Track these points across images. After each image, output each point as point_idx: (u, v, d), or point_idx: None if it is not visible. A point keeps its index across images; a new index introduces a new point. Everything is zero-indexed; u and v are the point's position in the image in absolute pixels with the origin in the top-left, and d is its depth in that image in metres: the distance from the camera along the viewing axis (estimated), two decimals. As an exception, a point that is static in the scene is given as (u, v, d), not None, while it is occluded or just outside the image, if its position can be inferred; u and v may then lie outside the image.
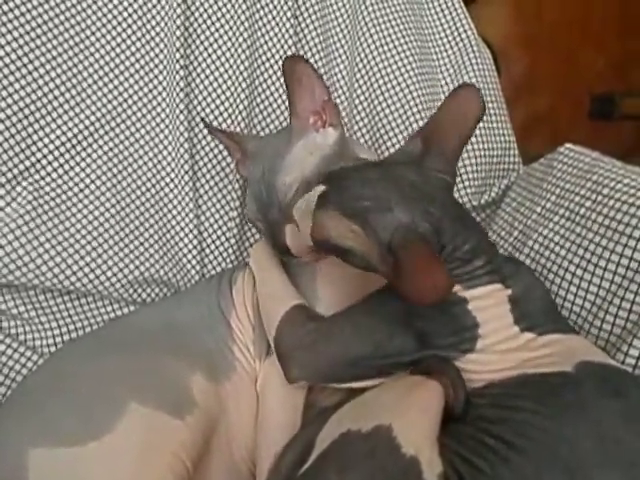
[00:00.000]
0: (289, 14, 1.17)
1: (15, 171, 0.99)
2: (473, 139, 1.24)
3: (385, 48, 1.24)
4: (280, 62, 1.16)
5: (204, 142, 1.12)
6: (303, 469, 0.64)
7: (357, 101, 1.25)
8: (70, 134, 1.03)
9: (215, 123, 1.12)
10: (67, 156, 1.03)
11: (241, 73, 1.13)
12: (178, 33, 1.08)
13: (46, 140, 1.01)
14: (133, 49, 1.08)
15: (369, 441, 0.61)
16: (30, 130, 1.00)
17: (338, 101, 1.24)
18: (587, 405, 0.59)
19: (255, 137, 0.97)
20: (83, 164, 1.04)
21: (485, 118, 1.27)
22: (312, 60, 1.21)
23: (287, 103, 1.15)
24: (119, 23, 1.07)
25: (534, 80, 1.97)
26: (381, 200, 0.68)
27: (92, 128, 1.05)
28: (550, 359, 0.66)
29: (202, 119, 0.92)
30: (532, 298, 0.73)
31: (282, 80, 1.15)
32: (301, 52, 1.20)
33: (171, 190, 1.10)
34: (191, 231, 1.10)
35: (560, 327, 0.71)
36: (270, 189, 0.87)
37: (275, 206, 0.86)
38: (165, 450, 0.73)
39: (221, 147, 1.13)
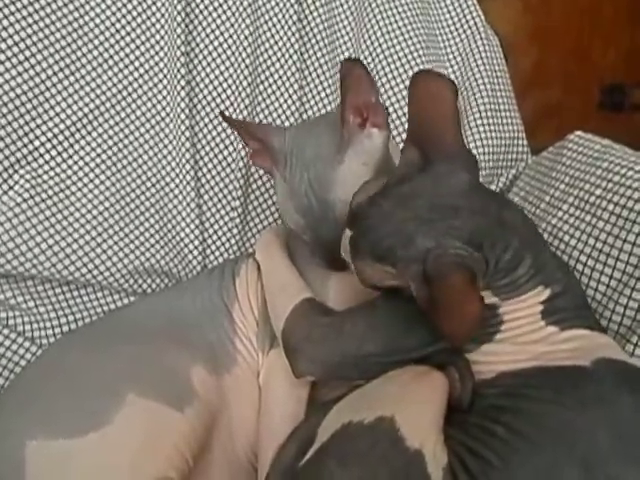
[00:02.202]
0: (293, 0, 1.15)
1: (12, 159, 0.98)
2: (480, 128, 1.22)
3: (392, 35, 1.22)
4: (284, 48, 1.15)
5: (205, 130, 1.11)
6: (304, 460, 0.63)
7: (362, 90, 1.23)
8: (69, 121, 1.02)
9: (217, 111, 1.10)
10: (65, 144, 1.02)
11: (243, 60, 1.11)
12: (179, 19, 1.06)
13: (44, 127, 1.00)
14: (133, 35, 1.06)
15: (372, 433, 0.60)
16: (28, 117, 0.98)
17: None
18: (606, 401, 0.58)
19: (278, 129, 0.90)
20: (82, 152, 1.03)
21: (492, 107, 1.25)
22: (316, 47, 1.19)
23: (290, 90, 1.15)
24: (119, 9, 1.05)
25: (543, 73, 1.96)
26: (401, 233, 0.63)
27: (91, 115, 1.03)
28: (568, 353, 0.63)
29: (221, 112, 0.88)
30: (567, 294, 0.68)
31: (285, 67, 1.15)
32: (305, 39, 1.18)
33: (172, 179, 1.08)
34: (192, 221, 1.08)
35: (586, 323, 0.68)
36: (324, 205, 0.81)
37: (331, 222, 0.81)
38: (165, 442, 0.72)
39: (223, 136, 1.11)
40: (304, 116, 1.19)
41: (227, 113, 1.11)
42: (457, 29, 1.28)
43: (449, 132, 0.67)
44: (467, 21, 1.28)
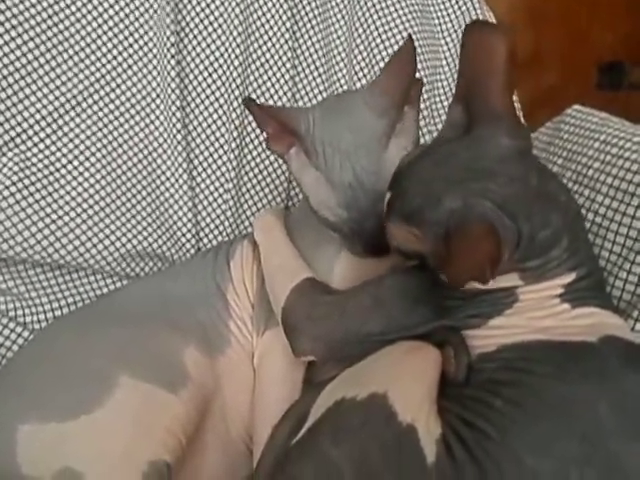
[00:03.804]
0: (284, -24, 1.13)
1: (0, 141, 0.96)
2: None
3: (385, 12, 1.20)
4: (275, 27, 1.13)
5: (197, 111, 1.09)
6: (297, 438, 0.62)
7: (357, 67, 1.22)
8: (57, 103, 1.00)
9: (208, 91, 1.09)
10: (54, 126, 1.00)
11: (235, 39, 1.09)
12: (168, -3, 1.04)
13: (32, 109, 0.98)
14: (122, 15, 1.04)
15: (364, 410, 0.59)
16: (15, 99, 0.96)
17: (337, 68, 1.20)
18: (610, 376, 0.56)
19: (299, 111, 0.84)
20: (71, 134, 1.01)
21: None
22: (309, 26, 1.17)
23: (282, 70, 1.13)
24: (107, -13, 1.04)
25: (541, 54, 1.94)
26: (431, 194, 0.61)
27: (80, 97, 1.02)
28: (577, 329, 0.61)
29: (246, 98, 0.82)
30: (589, 277, 0.65)
31: (277, 47, 1.13)
32: (297, 17, 1.16)
33: (164, 161, 1.07)
34: (185, 203, 1.07)
35: (600, 302, 0.65)
36: (372, 196, 0.77)
37: (379, 213, 0.76)
38: (158, 425, 0.71)
39: (215, 116, 1.10)
40: (297, 96, 1.17)
41: (218, 93, 1.09)
42: (452, 5, 1.27)
43: (495, 92, 0.63)
44: (462, -3, 1.27)
